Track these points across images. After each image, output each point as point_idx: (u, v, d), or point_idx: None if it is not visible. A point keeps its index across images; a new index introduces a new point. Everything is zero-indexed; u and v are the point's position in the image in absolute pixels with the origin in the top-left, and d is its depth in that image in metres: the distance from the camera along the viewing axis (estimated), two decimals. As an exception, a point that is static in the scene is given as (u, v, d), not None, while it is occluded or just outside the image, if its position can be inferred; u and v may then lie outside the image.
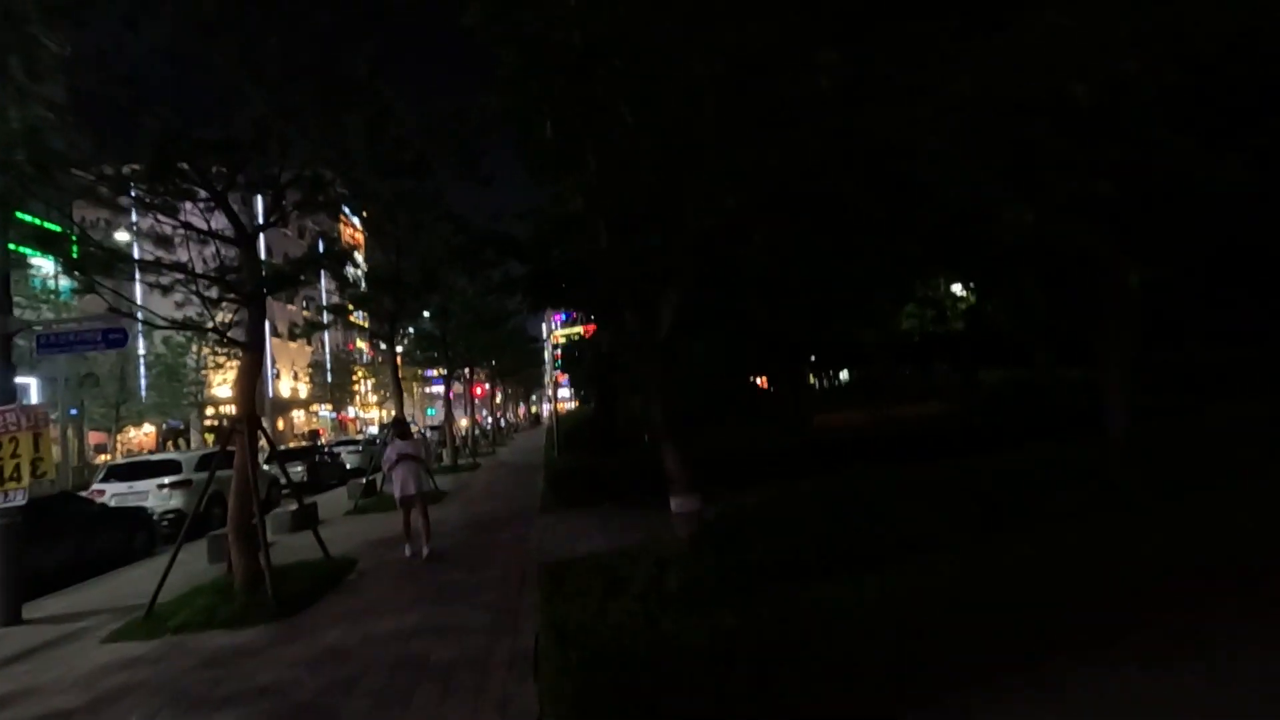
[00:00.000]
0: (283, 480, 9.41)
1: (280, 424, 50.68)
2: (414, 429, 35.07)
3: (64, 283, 23.70)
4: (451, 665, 4.50)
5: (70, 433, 33.73)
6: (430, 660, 4.62)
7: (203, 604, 6.26)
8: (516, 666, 4.37)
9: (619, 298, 3.94)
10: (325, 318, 24.38)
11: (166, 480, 12.14)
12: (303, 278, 7.75)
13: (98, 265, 6.45)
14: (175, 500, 11.92)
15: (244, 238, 6.99)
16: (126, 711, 4.21)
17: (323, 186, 7.58)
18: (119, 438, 33.94)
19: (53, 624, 6.67)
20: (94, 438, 33.47)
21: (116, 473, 12.61)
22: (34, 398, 31.11)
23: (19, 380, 31.12)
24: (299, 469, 18.67)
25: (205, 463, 13.49)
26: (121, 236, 13.72)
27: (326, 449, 22.48)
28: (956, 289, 19.41)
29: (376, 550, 8.83)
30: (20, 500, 6.68)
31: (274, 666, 4.76)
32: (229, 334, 7.53)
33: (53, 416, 31.74)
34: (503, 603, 5.89)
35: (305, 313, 52.41)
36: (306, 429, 52.55)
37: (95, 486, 12.26)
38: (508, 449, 31.79)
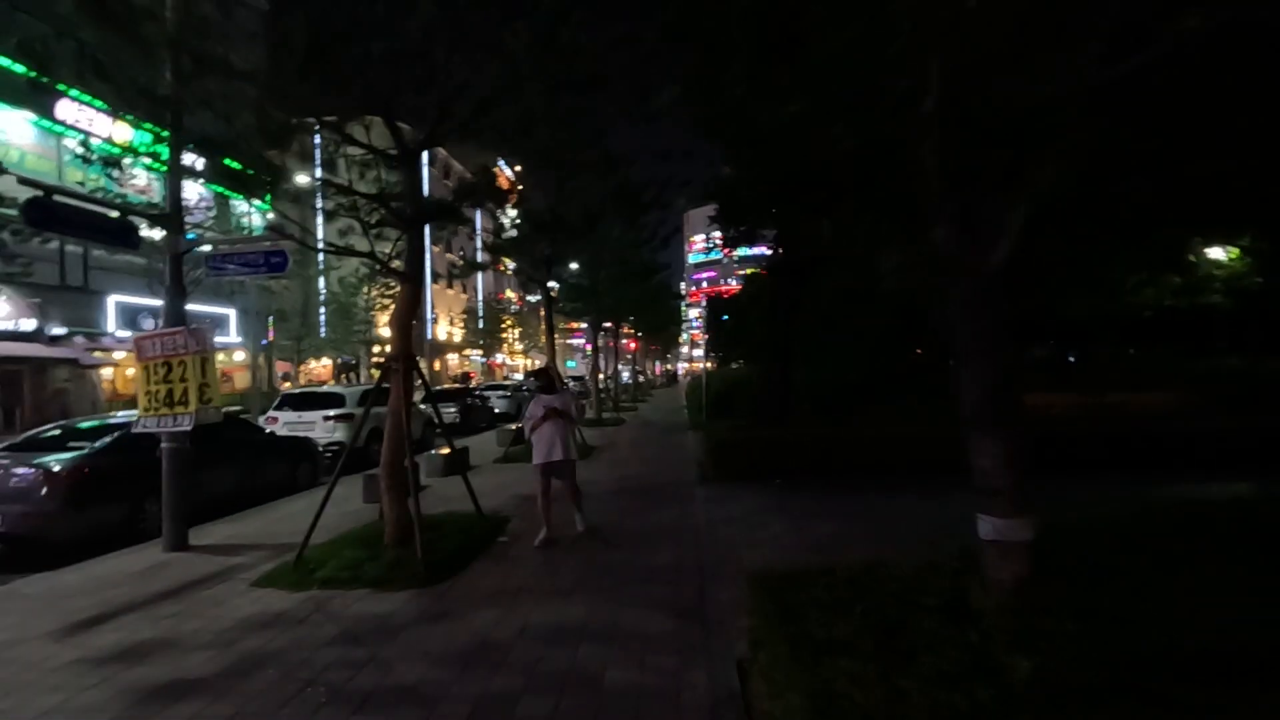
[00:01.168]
0: (436, 421, 8.91)
1: (436, 365, 53.95)
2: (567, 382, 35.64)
3: (256, 221, 25.72)
4: (635, 696, 3.42)
5: (261, 360, 37.53)
6: (606, 683, 3.56)
7: (350, 556, 5.70)
8: (721, 716, 3.19)
9: (932, 197, 2.50)
10: (480, 257, 24.53)
11: (331, 413, 12.32)
12: (463, 207, 6.92)
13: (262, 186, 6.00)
14: (339, 433, 12.08)
15: (405, 154, 6.21)
16: (254, 696, 3.52)
17: (487, 107, 6.65)
18: (301, 369, 37.29)
19: (212, 554, 6.46)
20: (280, 367, 36.90)
21: (289, 402, 13.04)
22: (232, 329, 34.75)
23: (219, 310, 34.63)
24: (452, 410, 18.97)
25: (365, 397, 13.78)
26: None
27: (477, 392, 22.86)
28: (1215, 253, 15.68)
29: (528, 508, 8.10)
30: (187, 425, 6.47)
31: (418, 658, 3.94)
32: (390, 264, 6.90)
33: (248, 345, 35.46)
34: (681, 603, 4.77)
35: (459, 258, 54.94)
36: (459, 372, 55.68)
37: (270, 414, 12.73)
38: (648, 405, 31.25)
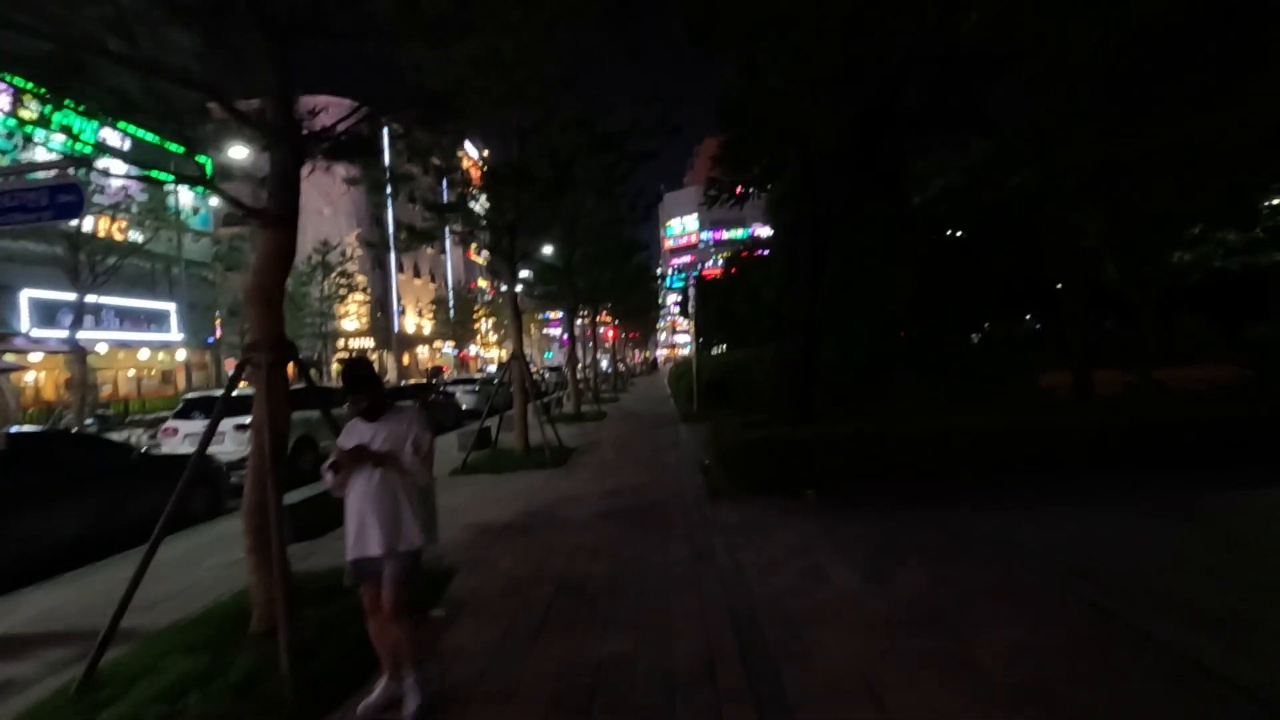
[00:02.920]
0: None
1: (405, 359, 51.28)
2: (535, 368, 33.32)
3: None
4: None
5: (207, 359, 34.66)
6: None
7: (178, 670, 3.47)
8: None
9: None
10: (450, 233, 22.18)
11: (246, 420, 9.97)
12: (362, 121, 4.61)
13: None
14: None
15: (267, 28, 3.94)
16: None
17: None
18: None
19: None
20: (230, 365, 34.10)
21: (197, 407, 10.64)
22: (173, 324, 31.81)
23: (158, 305, 31.68)
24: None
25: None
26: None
27: (441, 388, 20.49)
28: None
29: (487, 548, 5.93)
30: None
31: None
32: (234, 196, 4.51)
33: (191, 343, 32.48)
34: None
35: (416, 221, 52.34)
36: (430, 365, 53.00)
37: (168, 424, 10.35)
38: (630, 396, 29.07)
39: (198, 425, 9.95)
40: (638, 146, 11.98)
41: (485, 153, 14.50)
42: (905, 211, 12.96)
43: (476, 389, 21.06)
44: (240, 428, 9.86)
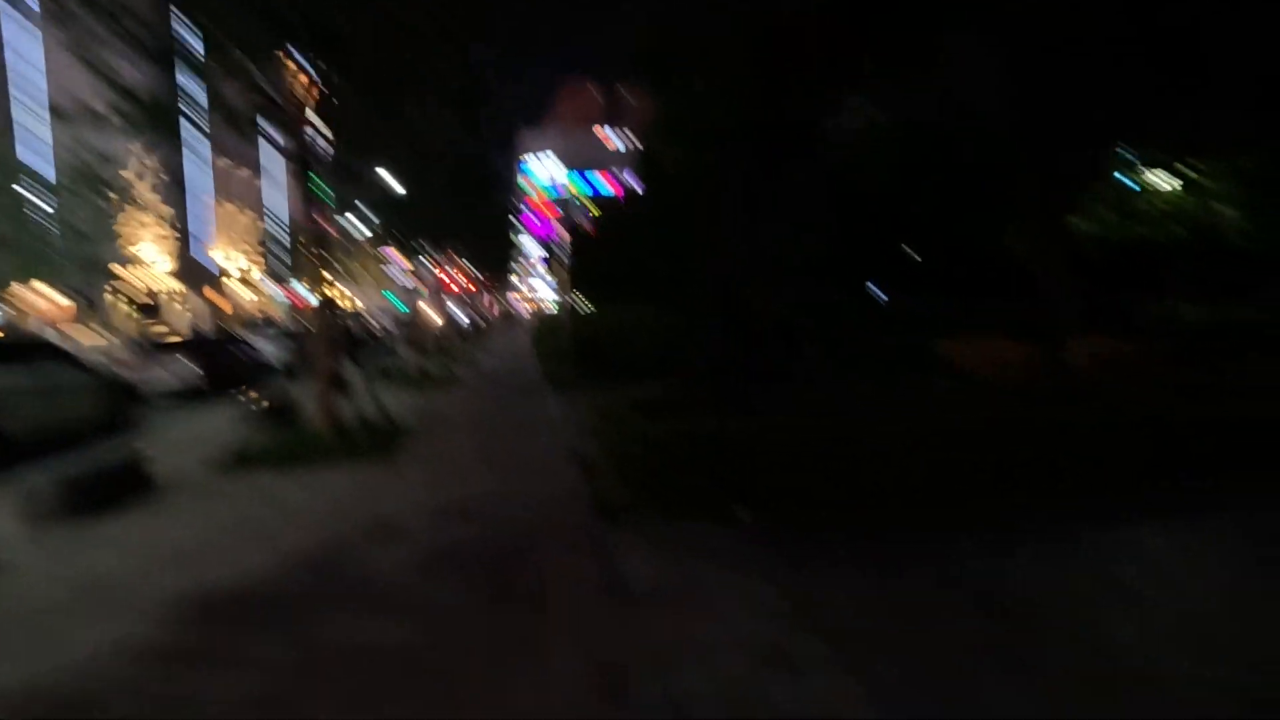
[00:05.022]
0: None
1: (223, 302, 43.76)
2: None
3: None
4: None
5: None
6: None
7: None
8: None
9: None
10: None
11: None
12: None
13: None
14: None
15: None
16: None
17: None
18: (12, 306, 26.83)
19: None
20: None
21: None
22: None
23: None
24: (190, 367, 12.72)
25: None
26: None
27: (240, 339, 16.11)
28: (1157, 176, 13.51)
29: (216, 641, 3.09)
30: None
31: None
32: None
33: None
34: None
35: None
36: (260, 311, 45.36)
37: None
38: (488, 353, 25.74)
39: None
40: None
41: None
42: (824, 149, 10.99)
43: (276, 336, 16.88)
44: None
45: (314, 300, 8.80)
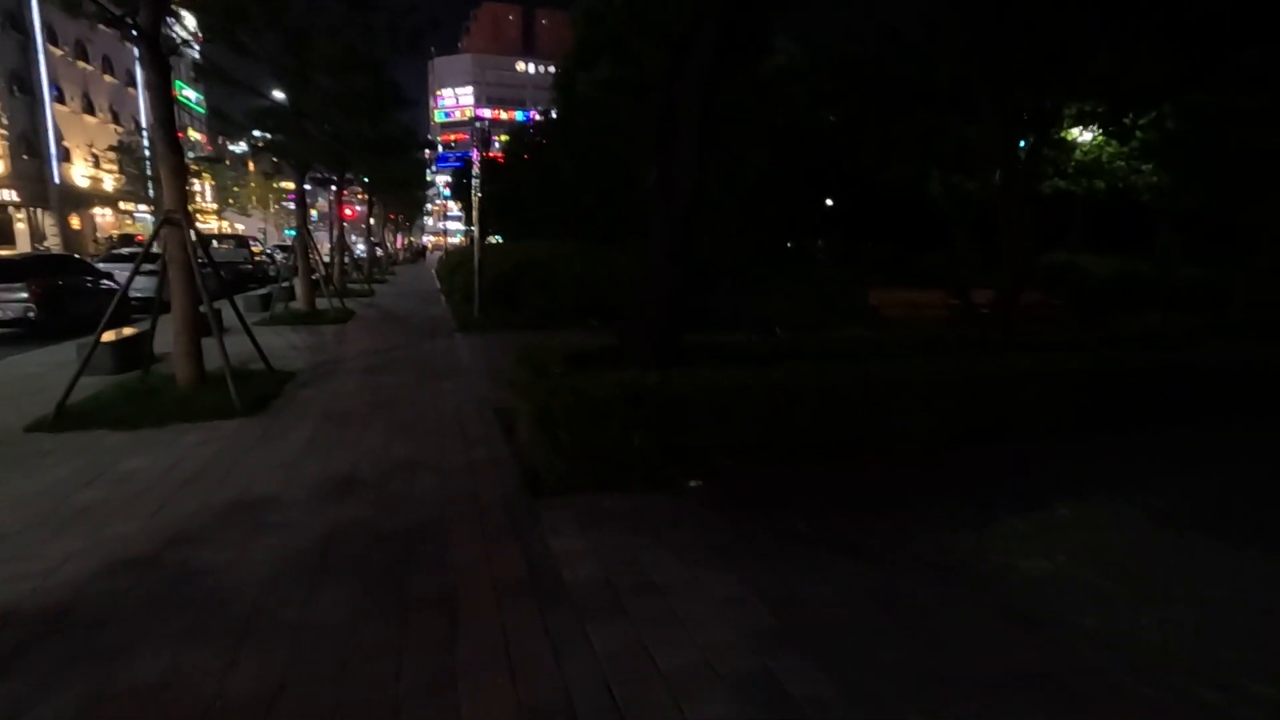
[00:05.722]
0: None
1: (75, 223, 38.66)
2: (256, 248, 25.81)
3: None
4: None
5: None
6: None
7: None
8: None
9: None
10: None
11: None
12: None
13: None
14: None
15: None
16: None
17: None
18: None
19: None
20: None
21: None
22: None
23: None
24: (17, 302, 10.74)
25: None
26: None
27: (92, 267, 13.69)
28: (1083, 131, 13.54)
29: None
30: None
31: None
32: None
33: None
34: None
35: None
36: (115, 233, 40.29)
37: None
38: (390, 288, 23.78)
39: None
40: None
41: None
42: (762, 76, 10.15)
43: (144, 268, 14.65)
44: None
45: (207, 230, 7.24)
